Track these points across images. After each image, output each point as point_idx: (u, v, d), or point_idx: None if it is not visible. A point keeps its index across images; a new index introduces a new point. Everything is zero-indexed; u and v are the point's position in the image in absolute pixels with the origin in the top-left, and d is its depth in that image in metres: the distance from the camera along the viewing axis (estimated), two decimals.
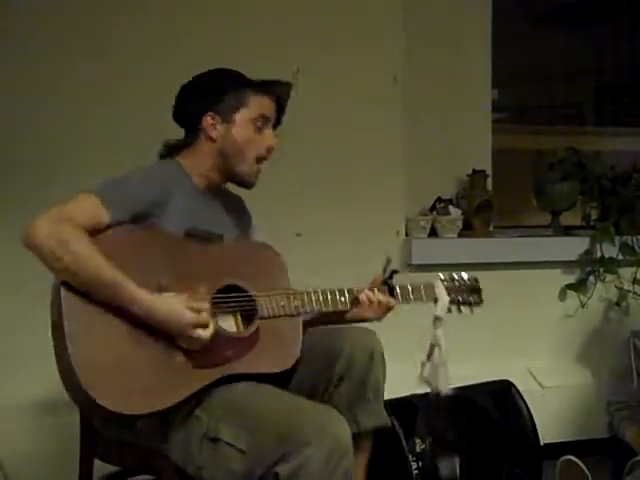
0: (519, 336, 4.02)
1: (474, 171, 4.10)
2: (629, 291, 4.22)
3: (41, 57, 3.34)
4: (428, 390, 2.72)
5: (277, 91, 2.58)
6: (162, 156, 2.62)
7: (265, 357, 2.41)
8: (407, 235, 3.99)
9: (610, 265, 4.18)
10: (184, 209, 2.44)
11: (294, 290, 2.52)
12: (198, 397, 2.30)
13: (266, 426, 2.23)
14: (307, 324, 2.60)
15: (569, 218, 4.38)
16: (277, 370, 2.42)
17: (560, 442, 3.93)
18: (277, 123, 2.63)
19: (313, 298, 2.52)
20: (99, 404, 2.18)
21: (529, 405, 3.55)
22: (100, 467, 2.63)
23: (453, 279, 2.81)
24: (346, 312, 2.62)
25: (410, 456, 3.20)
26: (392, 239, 3.93)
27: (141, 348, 2.24)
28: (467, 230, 4.08)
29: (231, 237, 2.60)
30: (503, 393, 3.55)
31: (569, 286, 4.21)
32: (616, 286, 4.23)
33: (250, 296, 2.42)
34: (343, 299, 2.58)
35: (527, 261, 4.10)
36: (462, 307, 2.79)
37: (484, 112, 4.29)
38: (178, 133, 3.44)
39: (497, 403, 3.51)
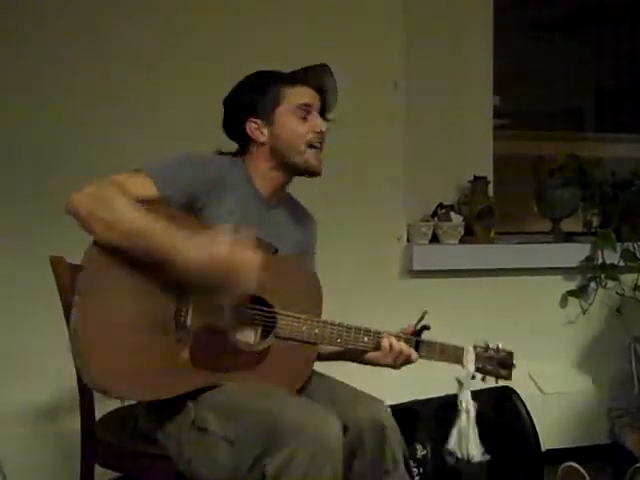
0: (520, 342, 3.97)
1: (475, 177, 4.10)
2: (630, 297, 4.21)
3: (41, 57, 3.34)
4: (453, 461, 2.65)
5: (311, 77, 2.56)
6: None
7: (267, 377, 2.36)
8: (408, 241, 3.98)
9: (611, 271, 4.17)
10: (237, 206, 2.41)
11: (318, 319, 2.45)
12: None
13: (253, 418, 2.21)
14: (327, 353, 2.59)
15: (570, 224, 4.37)
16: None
17: (561, 448, 3.92)
18: (325, 107, 2.59)
19: (335, 332, 2.45)
20: (89, 377, 2.17)
21: (530, 411, 3.54)
22: (102, 473, 2.62)
23: (487, 348, 2.69)
24: (366, 352, 2.54)
25: (411, 462, 3.19)
26: (393, 245, 3.93)
27: (149, 336, 2.22)
28: (468, 236, 4.07)
29: (288, 253, 2.55)
30: (504, 399, 3.54)
31: (570, 292, 4.20)
32: (617, 292, 4.22)
33: (273, 312, 2.37)
34: (366, 339, 2.50)
35: (528, 267, 4.09)
36: (487, 377, 2.69)
37: (485, 118, 4.29)
38: (177, 137, 3.47)
39: (498, 409, 3.50)
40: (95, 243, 2.20)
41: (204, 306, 2.26)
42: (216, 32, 3.54)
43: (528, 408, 3.55)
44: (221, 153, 2.59)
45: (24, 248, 3.24)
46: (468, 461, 2.59)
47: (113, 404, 2.41)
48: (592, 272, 4.20)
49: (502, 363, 2.71)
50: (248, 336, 2.38)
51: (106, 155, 3.34)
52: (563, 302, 4.21)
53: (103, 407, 2.58)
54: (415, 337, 2.58)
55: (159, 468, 2.41)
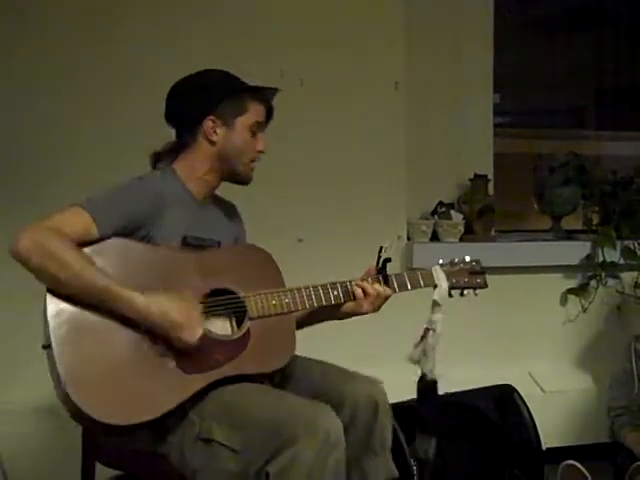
0: (520, 341, 4.02)
1: (476, 175, 4.10)
2: (631, 295, 4.21)
3: (41, 58, 3.34)
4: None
5: (268, 98, 2.62)
6: (154, 165, 2.61)
7: (257, 358, 2.40)
8: (409, 239, 3.99)
9: (612, 269, 4.18)
10: (179, 219, 2.45)
11: (284, 288, 2.50)
12: (191, 400, 2.30)
13: (256, 424, 2.24)
14: (304, 319, 2.63)
15: (570, 222, 4.38)
16: (269, 370, 2.43)
17: (562, 447, 3.92)
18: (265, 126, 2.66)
19: (305, 294, 2.49)
20: (92, 417, 2.17)
21: (530, 409, 3.55)
22: (102, 469, 2.62)
23: (453, 263, 2.75)
24: (341, 305, 2.59)
25: (412, 460, 3.19)
26: (393, 243, 3.93)
27: (132, 356, 2.25)
28: (468, 234, 4.08)
29: (228, 243, 2.61)
30: (505, 397, 3.54)
31: (570, 290, 4.21)
32: (617, 290, 4.23)
33: (239, 297, 2.41)
34: (336, 293, 2.55)
35: (528, 265, 4.10)
36: (465, 291, 2.74)
37: (486, 116, 4.30)
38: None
39: (499, 407, 3.50)
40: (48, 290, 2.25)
41: None
42: (216, 34, 3.55)
43: (529, 407, 3.55)
44: (158, 153, 2.61)
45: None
46: (422, 376, 2.71)
47: None
48: (592, 270, 4.20)
49: (473, 272, 2.76)
50: (224, 327, 2.41)
51: (106, 156, 3.35)
52: (563, 300, 4.21)
53: None
54: (381, 274, 2.62)
55: (159, 466, 2.41)
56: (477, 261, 2.79)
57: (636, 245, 4.20)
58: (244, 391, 2.35)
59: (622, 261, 4.19)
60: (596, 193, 4.28)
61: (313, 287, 2.51)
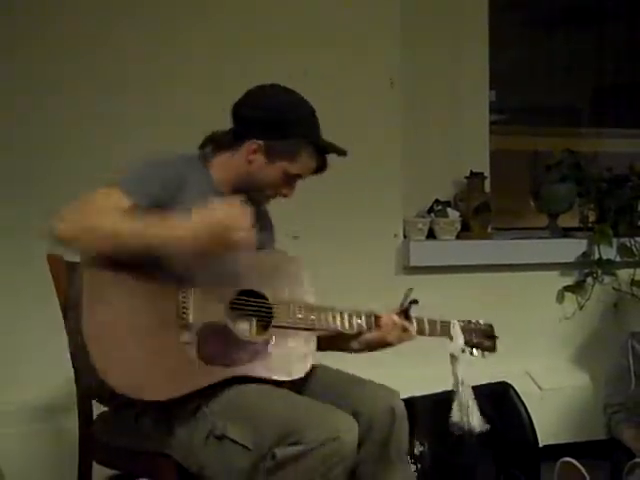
0: (517, 338, 4.00)
1: (472, 173, 4.10)
2: (627, 293, 4.22)
3: (39, 57, 3.33)
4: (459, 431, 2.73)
5: (324, 158, 2.56)
6: (201, 146, 2.57)
7: (274, 365, 2.40)
8: (405, 237, 3.99)
9: (608, 267, 4.18)
10: (197, 200, 2.35)
11: (313, 305, 2.49)
12: (205, 394, 2.30)
13: (270, 421, 2.24)
14: (325, 340, 2.58)
15: (567, 220, 4.38)
16: (285, 379, 2.41)
17: (558, 444, 3.93)
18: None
19: (330, 316, 2.50)
20: (108, 383, 2.16)
21: (527, 407, 3.55)
22: (100, 468, 2.62)
23: (469, 322, 2.83)
24: (361, 335, 2.57)
25: (409, 458, 3.19)
26: (390, 241, 3.93)
27: (157, 337, 2.23)
28: (465, 232, 4.08)
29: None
30: (502, 395, 3.55)
31: (567, 288, 4.21)
32: (614, 288, 4.24)
33: (269, 304, 2.41)
34: (360, 321, 2.55)
35: (525, 263, 4.10)
36: (475, 350, 2.81)
37: (482, 114, 4.30)
38: (176, 136, 3.44)
39: (496, 405, 3.50)
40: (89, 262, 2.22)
41: (204, 304, 2.29)
42: (215, 32, 3.55)
43: (525, 404, 3.55)
44: (211, 137, 2.57)
45: (21, 246, 3.23)
46: (471, 432, 2.69)
47: None
48: (589, 267, 4.21)
49: (485, 334, 2.86)
50: (244, 329, 2.40)
51: (103, 155, 3.34)
52: (560, 298, 4.21)
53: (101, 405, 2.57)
54: (405, 314, 2.64)
55: (156, 466, 2.41)
56: (491, 325, 2.89)
57: (632, 242, 4.21)
58: (262, 392, 2.34)
59: (618, 258, 4.21)
60: (592, 190, 4.29)
61: (340, 311, 2.52)
